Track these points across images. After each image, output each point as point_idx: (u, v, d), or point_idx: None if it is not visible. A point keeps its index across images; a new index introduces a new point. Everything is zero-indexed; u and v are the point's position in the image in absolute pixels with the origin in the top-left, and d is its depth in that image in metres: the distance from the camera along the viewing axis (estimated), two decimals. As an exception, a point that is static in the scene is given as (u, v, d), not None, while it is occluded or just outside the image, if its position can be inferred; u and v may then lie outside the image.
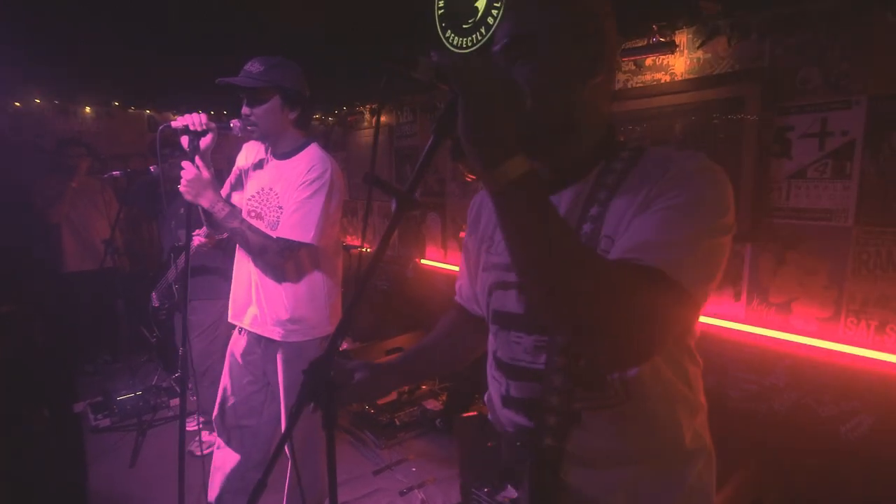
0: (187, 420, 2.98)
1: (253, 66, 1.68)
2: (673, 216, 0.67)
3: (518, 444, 0.82)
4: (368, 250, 4.39)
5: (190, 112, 1.61)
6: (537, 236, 0.59)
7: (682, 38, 2.22)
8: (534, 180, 0.59)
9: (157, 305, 2.82)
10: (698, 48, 2.18)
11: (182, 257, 2.50)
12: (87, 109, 4.25)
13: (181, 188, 1.58)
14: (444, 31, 3.37)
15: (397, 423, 2.92)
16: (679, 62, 2.26)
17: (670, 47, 2.19)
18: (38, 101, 4.03)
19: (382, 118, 4.17)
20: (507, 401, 0.84)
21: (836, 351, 1.89)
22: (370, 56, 3.52)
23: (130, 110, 4.47)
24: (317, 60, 3.63)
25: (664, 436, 0.77)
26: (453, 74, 0.60)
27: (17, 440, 2.70)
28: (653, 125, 2.37)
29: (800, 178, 1.95)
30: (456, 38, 3.29)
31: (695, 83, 2.21)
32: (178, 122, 1.57)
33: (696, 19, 2.12)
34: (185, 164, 1.58)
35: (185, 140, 1.58)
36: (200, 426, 2.85)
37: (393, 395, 3.12)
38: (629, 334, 0.60)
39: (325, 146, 1.85)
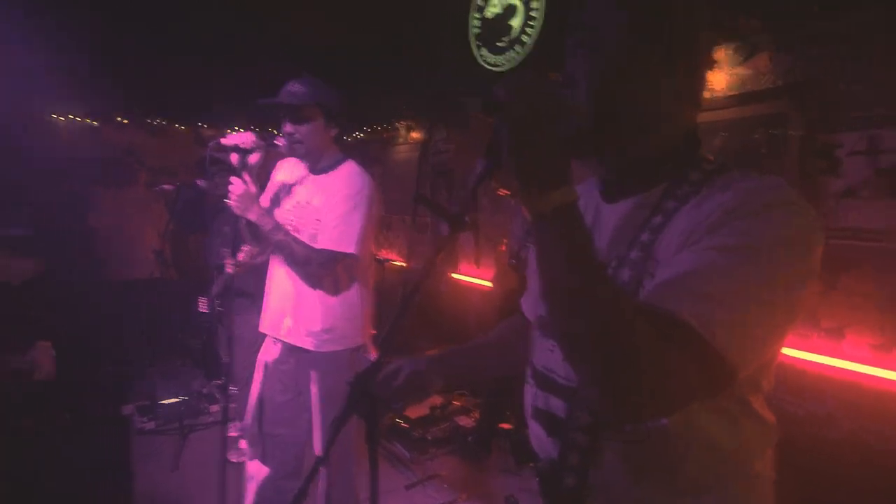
0: (230, 427, 3.08)
1: (294, 87, 1.75)
2: (724, 260, 0.58)
3: (538, 479, 0.79)
4: (395, 262, 4.46)
5: (234, 128, 1.70)
6: (562, 272, 0.58)
7: (721, 54, 2.19)
8: (568, 215, 0.58)
9: (205, 311, 2.94)
10: (739, 65, 2.13)
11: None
12: (138, 125, 4.51)
13: (231, 202, 1.66)
14: (478, 48, 3.42)
15: (429, 438, 2.92)
16: (719, 78, 2.22)
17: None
18: (93, 116, 4.31)
19: (416, 134, 4.25)
20: (535, 412, 0.81)
21: (891, 380, 1.79)
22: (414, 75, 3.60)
23: (177, 126, 4.71)
24: (355, 77, 3.79)
25: (689, 496, 0.69)
26: (499, 100, 0.60)
27: (69, 440, 2.85)
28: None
29: (850, 196, 1.87)
30: (490, 56, 3.34)
31: (736, 99, 2.16)
32: (228, 139, 1.65)
33: (736, 36, 2.08)
34: (234, 179, 1.66)
35: (234, 157, 1.66)
36: (240, 433, 2.94)
37: (425, 410, 3.13)
38: (631, 388, 0.55)
39: (361, 162, 1.91)
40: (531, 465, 0.80)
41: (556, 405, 0.75)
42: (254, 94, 1.81)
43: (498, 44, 3.29)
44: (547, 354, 0.79)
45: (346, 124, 1.86)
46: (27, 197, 3.53)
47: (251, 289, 2.79)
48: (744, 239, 0.58)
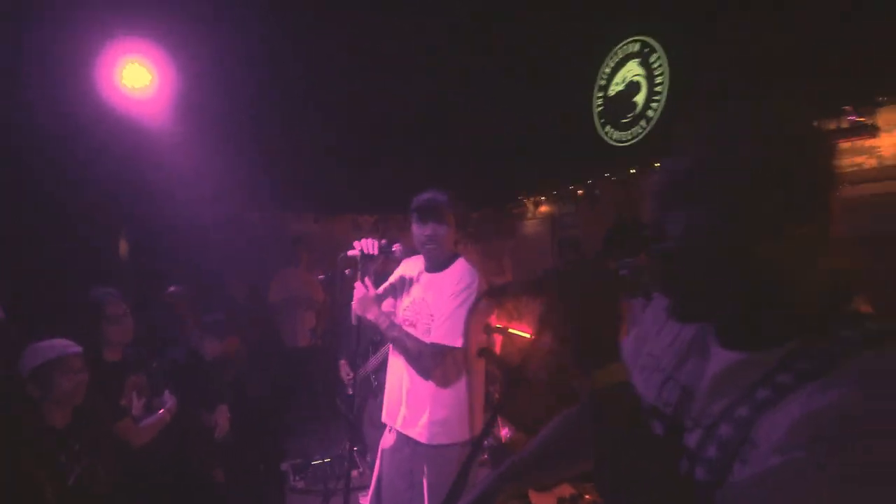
0: (360, 496, 3.30)
1: (436, 196, 1.92)
2: (831, 489, 0.46)
3: None
4: (523, 334, 4.39)
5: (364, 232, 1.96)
6: (607, 459, 0.58)
7: (889, 115, 1.86)
8: (612, 396, 0.58)
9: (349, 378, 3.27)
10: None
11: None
12: (310, 215, 5.36)
13: (353, 305, 1.90)
14: (603, 126, 3.42)
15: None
16: (888, 142, 1.87)
17: (871, 130, 1.85)
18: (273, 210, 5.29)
19: (544, 208, 4.31)
20: None
21: None
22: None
23: (343, 216, 5.48)
24: (483, 156, 4.07)
25: None
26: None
27: (241, 489, 3.32)
28: (853, 221, 1.96)
29: None
30: (615, 132, 3.31)
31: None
32: (353, 251, 1.91)
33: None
34: (356, 284, 1.90)
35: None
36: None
37: (552, 501, 2.95)
38: None
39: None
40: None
41: None
42: (399, 185, 2.02)
43: (623, 120, 3.25)
44: None
45: (463, 232, 2.02)
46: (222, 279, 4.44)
47: None
48: (861, 467, 0.45)
